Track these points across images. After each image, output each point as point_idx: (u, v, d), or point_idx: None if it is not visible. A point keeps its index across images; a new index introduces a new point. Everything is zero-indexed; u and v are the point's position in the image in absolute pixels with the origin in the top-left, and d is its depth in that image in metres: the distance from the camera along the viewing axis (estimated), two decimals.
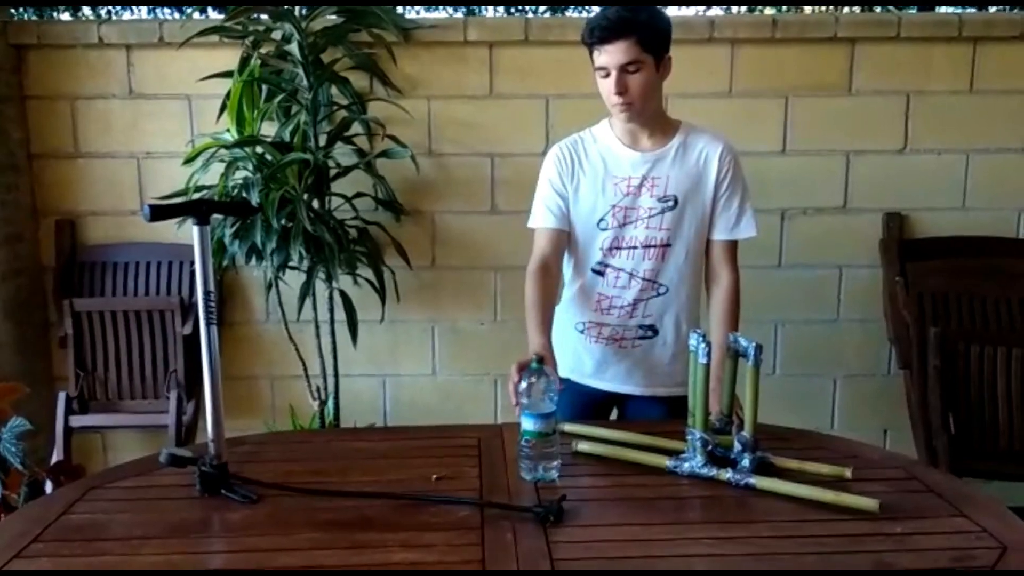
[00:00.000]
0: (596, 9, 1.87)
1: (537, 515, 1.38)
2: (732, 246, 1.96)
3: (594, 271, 1.95)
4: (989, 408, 2.57)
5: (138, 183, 2.97)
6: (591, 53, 1.84)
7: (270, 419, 3.05)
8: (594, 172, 1.92)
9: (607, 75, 1.81)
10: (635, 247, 1.91)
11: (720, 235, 1.94)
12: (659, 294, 1.93)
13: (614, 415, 2.11)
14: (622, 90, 1.80)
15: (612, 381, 2.00)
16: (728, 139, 1.94)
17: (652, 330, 1.96)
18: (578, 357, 2.01)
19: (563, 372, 2.00)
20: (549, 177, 1.96)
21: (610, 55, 1.78)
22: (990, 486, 2.52)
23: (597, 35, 1.79)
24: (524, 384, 1.58)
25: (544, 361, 1.62)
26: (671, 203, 1.90)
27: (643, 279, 1.92)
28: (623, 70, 1.79)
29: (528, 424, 1.55)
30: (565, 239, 1.96)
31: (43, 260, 3.02)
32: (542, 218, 1.95)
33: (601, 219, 1.91)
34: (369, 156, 2.80)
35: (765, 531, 1.36)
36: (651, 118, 1.89)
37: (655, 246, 1.91)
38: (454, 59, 2.89)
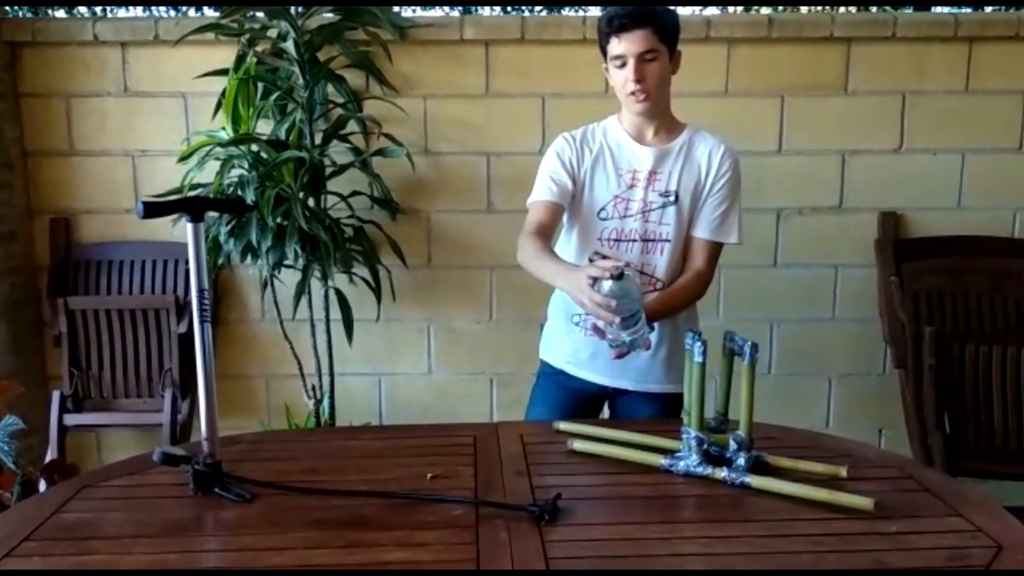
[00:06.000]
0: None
1: (532, 514, 1.38)
2: (713, 248, 1.95)
3: (591, 262, 1.94)
4: (984, 407, 2.57)
5: (133, 181, 2.96)
6: (606, 44, 1.86)
7: (265, 418, 3.04)
8: (600, 161, 1.93)
9: (623, 64, 1.84)
10: (634, 240, 1.92)
11: (701, 232, 1.94)
12: (656, 289, 1.93)
13: (605, 413, 2.11)
14: (640, 77, 1.83)
15: (604, 374, 2.00)
16: (733, 145, 1.96)
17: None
18: (573, 348, 2.01)
19: (557, 363, 2.01)
20: (558, 153, 1.95)
21: (629, 43, 1.81)
22: (985, 485, 2.52)
23: (617, 23, 1.82)
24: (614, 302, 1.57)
25: (621, 275, 1.57)
26: (672, 199, 1.91)
27: (640, 273, 1.92)
28: (641, 58, 1.82)
29: (622, 336, 1.63)
30: (560, 213, 1.94)
31: (37, 258, 3.01)
32: (544, 191, 1.93)
33: (602, 208, 1.92)
34: (365, 155, 2.80)
35: (760, 530, 1.36)
36: (660, 114, 1.92)
37: (653, 240, 1.92)
38: (450, 58, 2.89)
